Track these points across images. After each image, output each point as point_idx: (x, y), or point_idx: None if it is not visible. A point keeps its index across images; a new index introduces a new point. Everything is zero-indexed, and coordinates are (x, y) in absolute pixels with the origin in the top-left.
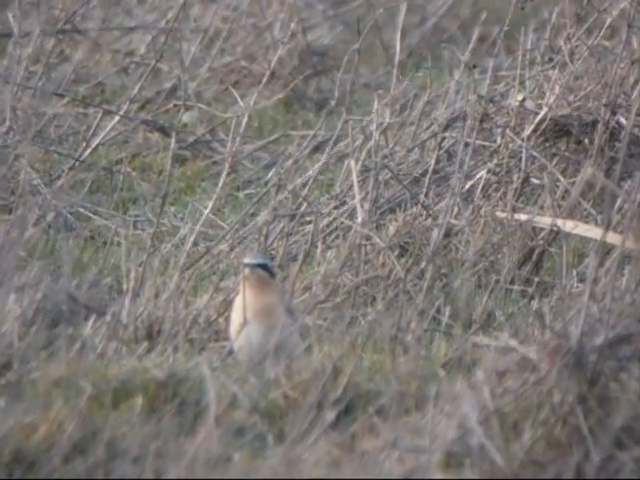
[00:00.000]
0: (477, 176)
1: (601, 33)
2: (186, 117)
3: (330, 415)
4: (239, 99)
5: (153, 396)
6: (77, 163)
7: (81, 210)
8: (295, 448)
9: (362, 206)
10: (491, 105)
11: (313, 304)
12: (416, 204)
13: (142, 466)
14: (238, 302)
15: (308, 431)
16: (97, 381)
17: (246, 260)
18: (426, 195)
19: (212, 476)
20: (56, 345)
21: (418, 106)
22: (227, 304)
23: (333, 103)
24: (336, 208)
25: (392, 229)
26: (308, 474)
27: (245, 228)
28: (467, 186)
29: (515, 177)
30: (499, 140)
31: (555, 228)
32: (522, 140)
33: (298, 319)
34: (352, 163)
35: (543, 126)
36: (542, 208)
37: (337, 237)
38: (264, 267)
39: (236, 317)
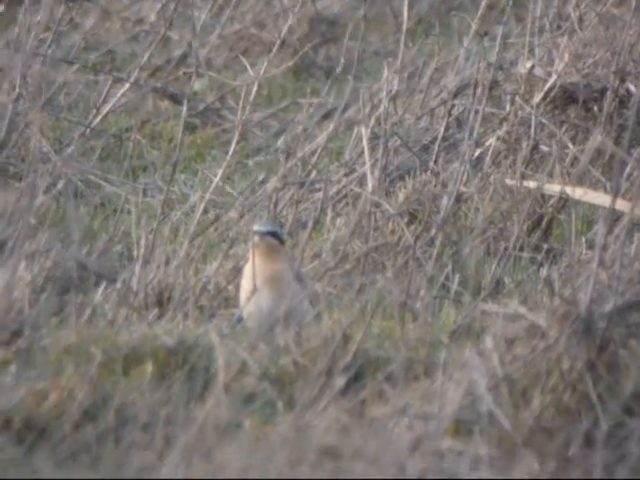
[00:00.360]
0: (486, 143)
1: (610, 0)
2: (196, 85)
3: (339, 382)
4: (249, 67)
5: (163, 363)
6: (87, 130)
7: (91, 177)
8: (305, 415)
9: (372, 173)
10: (500, 72)
11: (323, 271)
12: (425, 171)
13: (152, 432)
14: (247, 269)
15: (318, 398)
16: (107, 348)
17: (255, 227)
18: (435, 162)
19: (222, 442)
20: (66, 312)
21: (427, 74)
22: (236, 271)
23: (338, 70)
24: (346, 175)
25: (402, 196)
26: (318, 440)
27: (254, 196)
28: (476, 153)
29: (524, 144)
30: (508, 107)
31: (564, 195)
32: (531, 107)
33: (307, 286)
34: (363, 130)
35: (552, 93)
36: (551, 175)
37: (347, 204)
38: (273, 234)
39: (245, 284)
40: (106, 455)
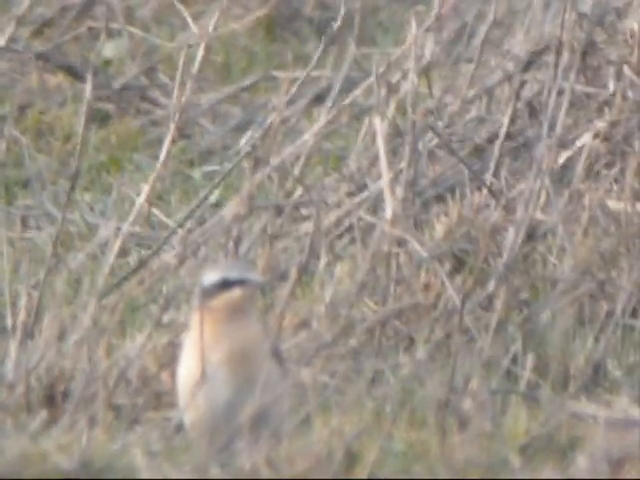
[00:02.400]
0: (577, 144)
1: None
2: (108, 49)
3: None
4: (190, 20)
5: None
6: None
7: None
8: None
9: (392, 192)
10: (600, 29)
11: (313, 350)
12: (479, 188)
13: None
14: (191, 343)
15: None
16: None
17: (252, 276)
18: (495, 174)
19: None
20: None
21: (481, 31)
22: (174, 350)
23: (337, 25)
24: (351, 195)
25: (440, 229)
26: None
27: (203, 227)
28: (562, 160)
29: (638, 145)
30: (612, 86)
31: None
32: None
33: (290, 372)
34: (377, 122)
35: None
36: None
37: (352, 242)
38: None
39: (188, 366)
40: None
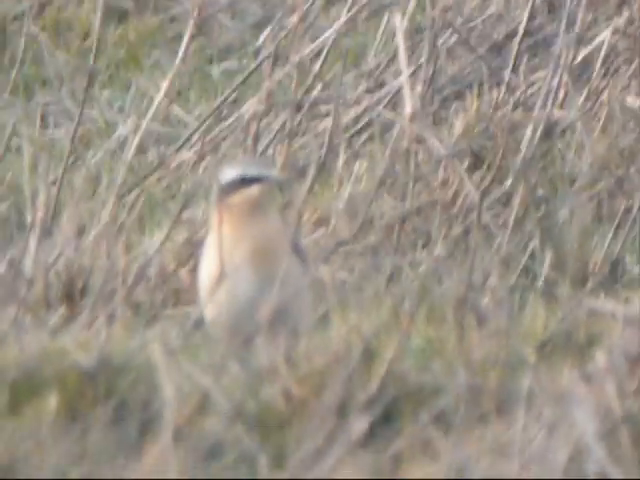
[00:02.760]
0: (596, 40)
1: None
2: None
3: (359, 425)
4: None
5: (75, 394)
6: None
7: None
8: (303, 476)
9: (411, 89)
10: None
11: (332, 247)
12: (498, 85)
13: None
14: (213, 240)
15: (324, 451)
16: None
17: (264, 171)
18: (514, 70)
19: None
20: None
21: None
22: (193, 247)
23: None
24: (369, 92)
25: (459, 126)
26: None
27: (222, 125)
28: (580, 56)
29: None
30: None
31: None
32: None
33: (311, 267)
34: (397, 19)
35: None
36: None
37: (371, 139)
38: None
39: (210, 264)
40: None
